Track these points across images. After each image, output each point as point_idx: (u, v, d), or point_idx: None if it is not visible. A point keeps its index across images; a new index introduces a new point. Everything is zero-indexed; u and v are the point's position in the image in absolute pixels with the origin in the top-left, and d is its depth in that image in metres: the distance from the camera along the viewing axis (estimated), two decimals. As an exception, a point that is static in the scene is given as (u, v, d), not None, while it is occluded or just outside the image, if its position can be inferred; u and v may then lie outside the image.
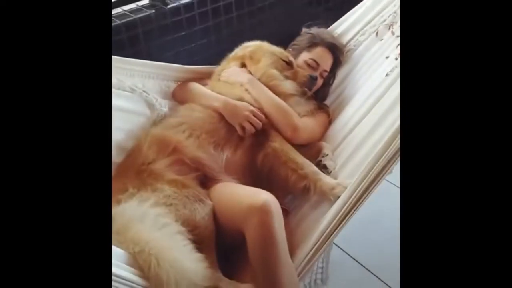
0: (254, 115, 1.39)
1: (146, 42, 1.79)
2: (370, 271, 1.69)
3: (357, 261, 1.74)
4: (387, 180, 1.48)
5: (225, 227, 1.19)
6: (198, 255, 1.05)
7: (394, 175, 1.40)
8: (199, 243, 1.10)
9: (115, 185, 1.18)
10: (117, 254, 0.99)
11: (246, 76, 1.51)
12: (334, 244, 1.64)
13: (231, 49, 1.67)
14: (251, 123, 1.38)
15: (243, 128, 1.38)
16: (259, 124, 1.39)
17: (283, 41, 1.71)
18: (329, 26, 1.77)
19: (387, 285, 1.63)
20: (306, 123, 1.47)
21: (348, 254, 1.77)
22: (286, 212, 1.35)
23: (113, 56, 1.30)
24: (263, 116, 1.41)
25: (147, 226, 1.04)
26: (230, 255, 1.20)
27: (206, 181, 1.29)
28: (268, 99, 1.45)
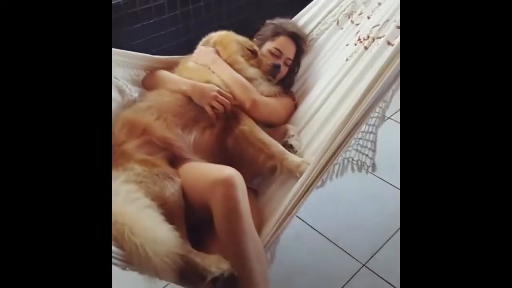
0: (221, 95, 1.45)
1: (115, 29, 1.81)
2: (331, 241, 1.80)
3: (318, 231, 1.84)
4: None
5: (193, 203, 1.25)
6: (169, 226, 1.10)
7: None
8: (169, 217, 1.14)
9: None
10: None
11: (211, 56, 1.57)
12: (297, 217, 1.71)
13: (198, 37, 1.72)
14: (219, 103, 1.44)
15: (212, 107, 1.44)
16: (227, 102, 1.45)
17: (250, 29, 1.78)
18: (292, 17, 1.85)
19: (346, 253, 1.75)
20: (267, 100, 1.54)
21: (310, 225, 1.87)
22: (255, 192, 1.43)
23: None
24: (230, 96, 1.47)
25: (118, 201, 1.08)
26: (199, 229, 1.25)
27: (175, 160, 1.34)
28: (230, 75, 1.53)
